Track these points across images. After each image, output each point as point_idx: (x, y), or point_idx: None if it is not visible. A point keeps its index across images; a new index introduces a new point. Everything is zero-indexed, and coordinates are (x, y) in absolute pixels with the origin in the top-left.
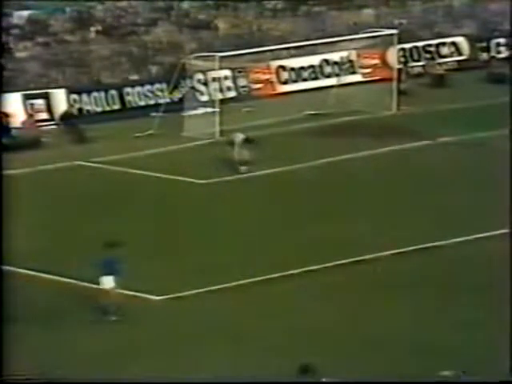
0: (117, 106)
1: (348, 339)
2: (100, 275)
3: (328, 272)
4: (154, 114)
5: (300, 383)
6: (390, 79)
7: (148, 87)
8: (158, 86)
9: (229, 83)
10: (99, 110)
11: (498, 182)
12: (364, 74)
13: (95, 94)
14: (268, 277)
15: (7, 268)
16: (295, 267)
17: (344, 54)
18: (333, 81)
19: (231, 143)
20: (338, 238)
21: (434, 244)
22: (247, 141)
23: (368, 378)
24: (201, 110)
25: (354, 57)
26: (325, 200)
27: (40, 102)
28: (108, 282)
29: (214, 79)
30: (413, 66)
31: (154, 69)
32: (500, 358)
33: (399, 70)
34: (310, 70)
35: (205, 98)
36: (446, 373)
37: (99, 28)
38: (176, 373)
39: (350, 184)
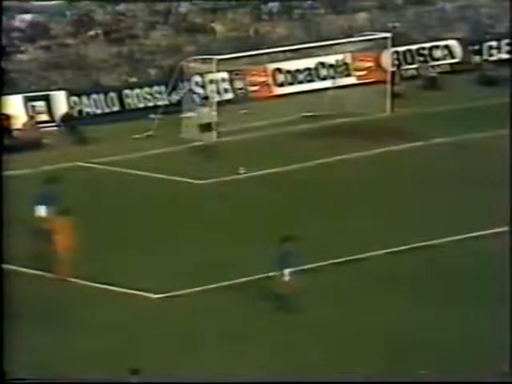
0: (116, 108)
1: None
2: (278, 268)
3: (326, 271)
4: (152, 115)
5: (300, 383)
6: (384, 81)
7: (147, 89)
8: (156, 88)
9: (226, 85)
10: (99, 111)
11: (492, 182)
12: (359, 77)
13: (95, 96)
14: (268, 275)
15: (8, 267)
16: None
17: (339, 56)
18: (328, 83)
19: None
20: (335, 236)
21: (428, 243)
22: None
23: (368, 377)
24: (198, 112)
25: (348, 59)
26: (321, 200)
27: (41, 104)
28: (285, 274)
29: (211, 81)
30: (406, 69)
31: (152, 71)
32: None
33: (393, 73)
34: (306, 72)
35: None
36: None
37: (99, 31)
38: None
39: (346, 184)
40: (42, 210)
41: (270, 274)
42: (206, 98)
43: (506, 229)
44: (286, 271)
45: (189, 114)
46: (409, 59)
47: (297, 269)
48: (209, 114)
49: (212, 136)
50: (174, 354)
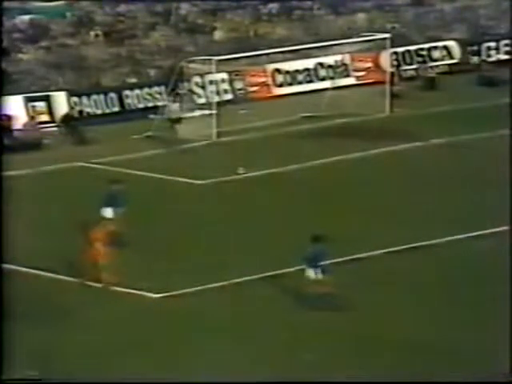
0: (116, 109)
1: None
2: (307, 267)
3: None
4: (152, 116)
5: (301, 383)
6: (383, 82)
7: (146, 90)
8: (156, 88)
9: (226, 86)
10: (99, 112)
11: (490, 183)
12: (358, 77)
13: (95, 96)
14: (265, 275)
15: (8, 267)
16: (292, 265)
17: (338, 57)
18: (327, 84)
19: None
20: (333, 236)
21: (427, 243)
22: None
23: (368, 378)
24: (198, 112)
25: (347, 60)
26: (320, 200)
27: (41, 105)
28: (314, 273)
29: (211, 82)
30: (405, 70)
31: (152, 72)
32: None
33: (392, 73)
34: (305, 73)
35: (202, 101)
36: None
37: (99, 32)
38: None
39: (345, 184)
40: (108, 212)
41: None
42: (177, 94)
43: (504, 228)
44: (317, 270)
45: (188, 115)
46: (408, 60)
47: (327, 268)
48: (178, 109)
49: (210, 136)
50: None
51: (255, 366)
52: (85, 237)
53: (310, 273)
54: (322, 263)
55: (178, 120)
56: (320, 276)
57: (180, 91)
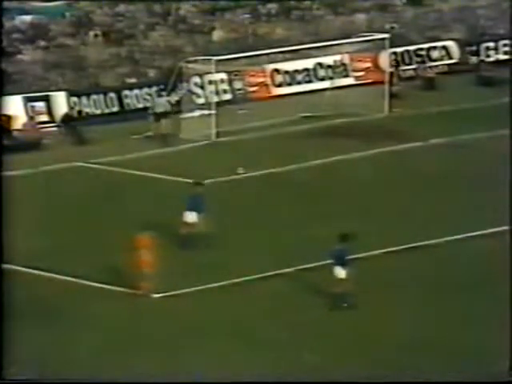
0: (115, 109)
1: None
2: (333, 266)
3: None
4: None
5: (301, 383)
6: (382, 82)
7: (146, 90)
8: (155, 89)
9: (225, 86)
10: (98, 112)
11: (488, 183)
12: (357, 77)
13: (94, 96)
14: (264, 275)
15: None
16: (290, 265)
17: (337, 57)
18: (326, 84)
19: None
20: (333, 235)
21: (425, 243)
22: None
23: (368, 378)
24: (197, 113)
25: (347, 60)
26: (319, 200)
27: (41, 105)
28: (340, 272)
29: (210, 82)
30: (404, 70)
31: (151, 72)
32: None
33: (391, 73)
34: (304, 73)
35: (201, 101)
36: None
37: (98, 32)
38: None
39: (344, 184)
40: (190, 216)
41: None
42: (163, 89)
43: (503, 228)
44: (342, 269)
45: (188, 115)
46: (407, 60)
47: (352, 267)
48: (165, 103)
49: (210, 136)
50: None
51: (254, 365)
52: (129, 244)
53: (338, 271)
54: (348, 262)
55: (164, 114)
56: (345, 274)
57: (167, 87)
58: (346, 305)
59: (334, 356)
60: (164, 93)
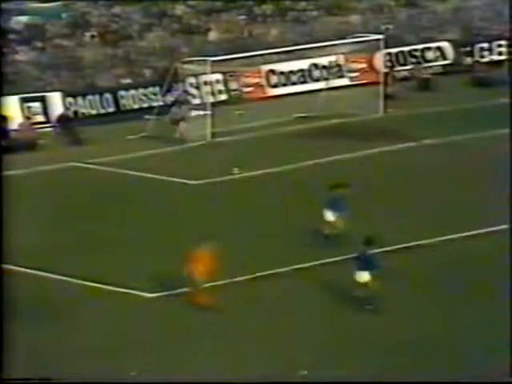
0: (111, 109)
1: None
2: (357, 269)
3: (317, 270)
4: (147, 116)
5: (301, 383)
6: (377, 83)
7: (142, 91)
8: (151, 89)
9: (220, 87)
10: (94, 112)
11: (481, 182)
12: (352, 78)
13: (90, 97)
14: (261, 274)
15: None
16: (287, 265)
17: (332, 58)
18: (321, 84)
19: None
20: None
21: (419, 242)
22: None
23: (367, 378)
24: (193, 113)
25: (342, 61)
26: (315, 199)
27: (37, 105)
28: (364, 275)
29: (205, 83)
30: (399, 70)
31: (147, 73)
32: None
33: (386, 74)
34: (299, 73)
35: (197, 101)
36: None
37: (94, 33)
38: None
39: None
40: (330, 215)
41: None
42: (178, 101)
43: (493, 228)
44: (366, 272)
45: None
46: (401, 61)
47: (377, 271)
48: (184, 111)
49: (205, 136)
50: None
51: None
52: (188, 255)
53: (363, 275)
54: (374, 265)
55: (181, 120)
56: (369, 278)
57: (183, 98)
58: (370, 307)
59: (329, 355)
60: (179, 101)
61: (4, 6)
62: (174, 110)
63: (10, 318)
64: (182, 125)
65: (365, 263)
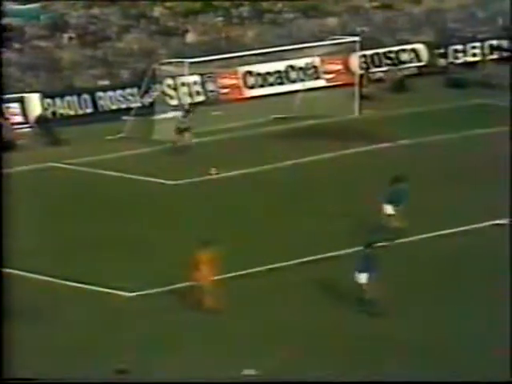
0: (89, 110)
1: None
2: (357, 272)
3: (292, 269)
4: (125, 117)
5: (300, 383)
6: (353, 84)
7: (119, 92)
8: (129, 90)
9: (198, 88)
10: (72, 113)
11: (457, 181)
12: (328, 80)
13: (68, 98)
14: (238, 273)
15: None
16: (263, 264)
17: (308, 60)
18: (298, 86)
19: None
20: (305, 235)
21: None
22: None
23: (367, 378)
24: (170, 114)
25: (318, 63)
26: (292, 199)
27: (15, 106)
28: (363, 278)
29: (183, 84)
30: (374, 72)
31: (125, 74)
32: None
33: (361, 76)
34: (276, 75)
35: (174, 102)
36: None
37: (73, 35)
38: None
39: (316, 184)
40: (389, 209)
41: None
42: (188, 110)
43: (471, 227)
44: (365, 274)
45: (161, 116)
46: (377, 62)
47: (377, 274)
48: (186, 120)
49: (184, 137)
50: None
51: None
52: (191, 260)
53: (362, 278)
54: (373, 269)
55: (186, 129)
56: (370, 281)
57: (189, 108)
58: (371, 310)
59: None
60: (187, 111)
61: None
62: (181, 118)
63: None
64: (187, 135)
65: (364, 265)
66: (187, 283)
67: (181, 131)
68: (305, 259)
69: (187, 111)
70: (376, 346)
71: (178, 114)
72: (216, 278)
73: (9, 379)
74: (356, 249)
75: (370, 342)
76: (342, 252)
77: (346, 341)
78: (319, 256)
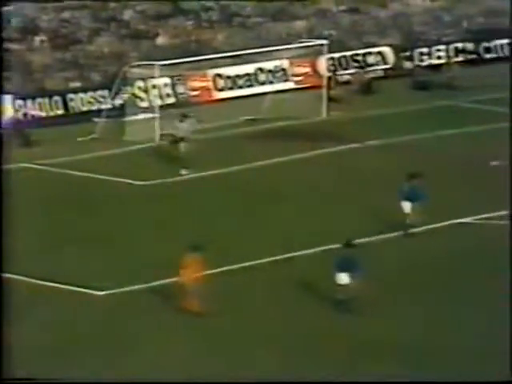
0: (60, 112)
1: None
2: (336, 272)
3: (266, 268)
4: (96, 119)
5: (300, 383)
6: (321, 86)
7: (91, 94)
8: (100, 92)
9: (168, 90)
10: (44, 115)
11: (422, 182)
12: (296, 82)
13: (40, 99)
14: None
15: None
16: (236, 263)
17: (277, 62)
18: (267, 88)
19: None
20: (277, 234)
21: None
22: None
23: (367, 378)
24: (141, 116)
25: (286, 65)
26: (262, 200)
27: None
28: (343, 278)
29: (153, 86)
30: (342, 74)
31: (96, 76)
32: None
33: (329, 78)
34: (246, 77)
35: (145, 104)
36: None
37: (44, 38)
38: None
39: (286, 184)
40: (406, 206)
41: None
42: (185, 116)
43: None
44: (346, 275)
45: (132, 118)
46: (344, 65)
47: (358, 273)
48: (187, 129)
49: (154, 139)
50: None
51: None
52: (179, 263)
53: (342, 278)
54: (354, 269)
55: (183, 139)
56: (350, 281)
57: (189, 114)
58: (350, 310)
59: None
60: (187, 118)
61: None
62: (178, 124)
63: None
64: (182, 145)
65: (344, 265)
66: (157, 282)
67: (176, 141)
68: (277, 257)
69: (184, 116)
70: (347, 345)
71: (181, 123)
72: (200, 281)
73: (9, 379)
74: (330, 247)
75: (349, 342)
76: (317, 250)
77: (321, 339)
78: (291, 254)
